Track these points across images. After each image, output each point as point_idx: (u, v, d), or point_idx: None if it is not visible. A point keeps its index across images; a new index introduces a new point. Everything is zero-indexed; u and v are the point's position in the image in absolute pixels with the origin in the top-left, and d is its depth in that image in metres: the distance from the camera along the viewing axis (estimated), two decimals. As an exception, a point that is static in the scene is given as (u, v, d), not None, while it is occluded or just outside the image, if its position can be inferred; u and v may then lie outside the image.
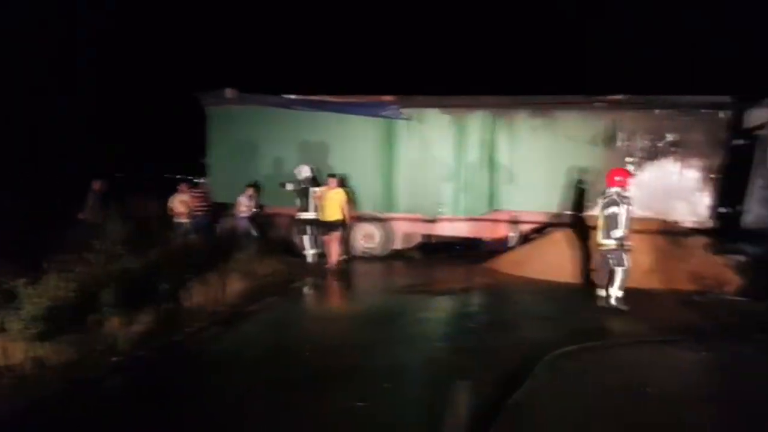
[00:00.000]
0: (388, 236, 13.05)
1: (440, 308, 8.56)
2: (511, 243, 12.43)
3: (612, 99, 11.73)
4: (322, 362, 5.90)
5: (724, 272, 9.93)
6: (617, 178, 8.63)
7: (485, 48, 21.74)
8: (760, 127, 9.98)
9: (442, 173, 12.67)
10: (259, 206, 12.84)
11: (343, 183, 12.07)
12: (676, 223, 11.14)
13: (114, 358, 5.80)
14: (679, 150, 11.47)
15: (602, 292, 8.64)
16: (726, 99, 11.15)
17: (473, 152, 12.53)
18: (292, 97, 13.25)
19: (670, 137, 11.50)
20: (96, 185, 12.50)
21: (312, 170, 11.98)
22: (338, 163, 12.78)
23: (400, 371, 5.69)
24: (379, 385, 5.26)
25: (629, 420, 4.65)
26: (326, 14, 25.75)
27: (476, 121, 12.48)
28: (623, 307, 8.34)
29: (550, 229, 12.02)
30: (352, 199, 12.09)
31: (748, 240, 10.03)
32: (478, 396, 4.93)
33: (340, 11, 25.58)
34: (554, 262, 10.97)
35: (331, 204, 11.33)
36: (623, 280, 8.43)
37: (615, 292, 8.46)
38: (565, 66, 19.58)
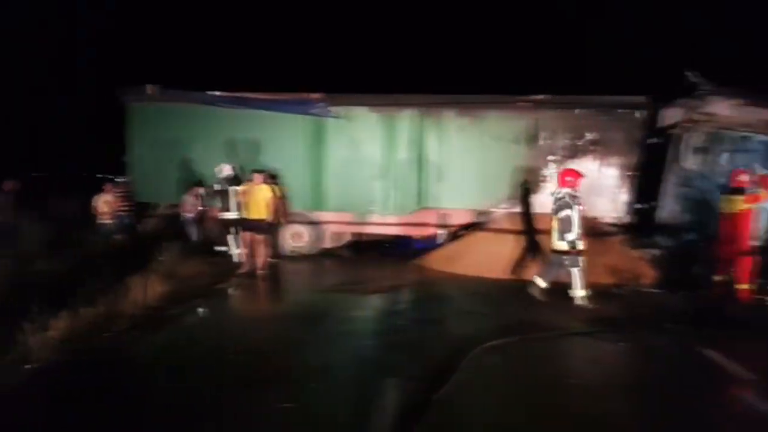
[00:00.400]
0: (317, 235, 12.97)
1: (370, 306, 8.57)
2: (441, 240, 12.58)
3: (534, 99, 12.05)
4: (249, 364, 5.80)
5: (640, 266, 10.38)
6: (568, 179, 8.74)
7: (413, 47, 21.93)
8: (673, 126, 10.45)
9: (372, 172, 12.68)
10: (204, 206, 12.48)
11: (275, 180, 11.89)
12: (595, 219, 11.53)
13: (28, 366, 5.51)
14: (598, 148, 11.89)
15: (542, 284, 8.81)
16: (641, 99, 11.64)
17: (402, 151, 12.60)
18: (217, 93, 12.96)
19: (589, 136, 11.90)
20: (7, 185, 11.85)
21: (234, 169, 11.72)
22: (266, 162, 12.59)
23: (329, 370, 5.66)
24: (307, 386, 5.21)
25: (552, 410, 4.78)
26: (254, 11, 25.35)
27: (405, 120, 12.55)
28: (590, 306, 8.47)
29: (478, 225, 12.24)
30: (285, 197, 11.93)
31: (663, 234, 10.50)
32: (406, 392, 4.96)
33: (269, 8, 25.24)
34: (482, 258, 11.17)
35: (257, 202, 10.77)
36: (581, 280, 8.55)
37: (578, 293, 8.56)
38: (491, 65, 19.98)
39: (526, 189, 11.94)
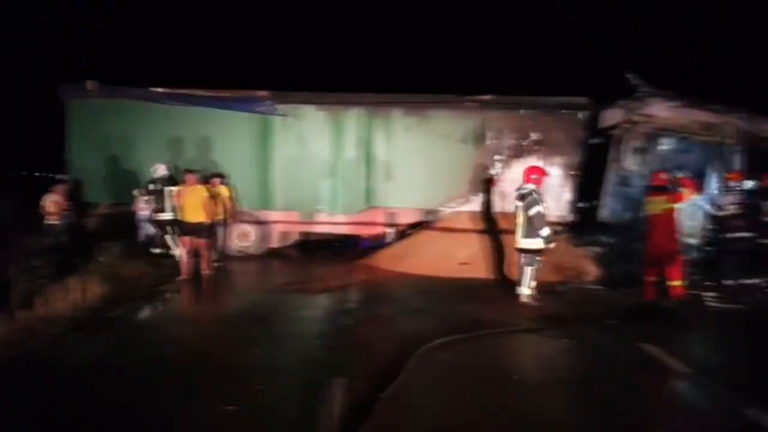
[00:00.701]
0: (264, 235, 12.81)
1: (317, 306, 8.50)
2: (389, 239, 12.61)
3: (481, 99, 12.21)
4: (191, 366, 5.67)
5: (583, 263, 10.64)
6: (534, 176, 8.79)
7: (362, 46, 21.91)
8: (614, 127, 10.73)
9: (319, 170, 12.62)
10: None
11: (224, 179, 11.67)
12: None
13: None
14: (543, 148, 12.14)
15: (528, 291, 8.83)
16: (584, 100, 11.93)
17: (350, 149, 12.57)
18: (160, 90, 12.64)
19: (534, 136, 12.13)
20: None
21: (168, 168, 11.43)
22: (211, 160, 12.38)
23: (274, 372, 5.58)
24: (251, 388, 5.12)
25: (497, 407, 4.83)
26: (201, 7, 24.86)
27: (352, 119, 12.53)
28: (534, 303, 8.58)
29: (426, 224, 12.32)
30: (234, 196, 11.73)
31: (604, 233, 10.77)
32: (352, 392, 4.93)
33: (216, 4, 24.80)
34: (431, 257, 11.24)
35: (192, 203, 10.06)
36: (532, 279, 8.65)
37: (524, 290, 8.66)
38: (439, 65, 20.14)
39: (486, 188, 12.10)
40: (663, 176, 9.29)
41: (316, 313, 8.11)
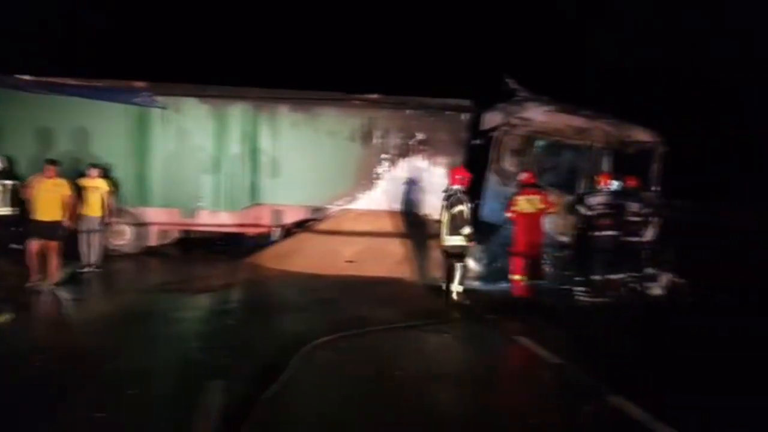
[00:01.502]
0: (140, 232, 12.17)
1: (197, 306, 8.19)
2: (275, 237, 12.38)
3: (368, 98, 12.27)
4: (58, 373, 5.25)
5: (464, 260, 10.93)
6: (459, 177, 8.86)
7: (248, 38, 21.38)
8: (494, 129, 11.12)
9: (202, 165, 12.18)
10: None
11: (104, 173, 10.88)
12: (425, 216, 11.98)
13: None
14: (428, 148, 12.39)
15: (459, 288, 8.83)
16: (466, 102, 12.30)
17: (234, 145, 12.23)
18: (27, 78, 11.69)
19: (419, 136, 12.36)
20: None
21: (3, 161, 9.94)
22: (83, 153, 11.59)
23: (149, 375, 5.29)
24: (123, 392, 4.82)
25: (379, 403, 4.85)
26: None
27: (237, 113, 12.20)
28: (466, 301, 8.60)
29: (313, 222, 12.22)
30: (112, 191, 10.92)
31: (484, 231, 11.13)
32: (231, 394, 4.76)
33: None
34: (318, 255, 11.16)
35: (47, 199, 8.90)
36: (464, 276, 8.69)
37: (456, 287, 8.65)
38: (328, 62, 20.05)
39: (408, 187, 12.18)
40: (535, 176, 9.69)
41: (195, 313, 7.80)
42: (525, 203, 9.26)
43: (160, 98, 12.00)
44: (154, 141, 12.09)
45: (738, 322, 8.59)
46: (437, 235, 10.11)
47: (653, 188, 11.05)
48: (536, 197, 9.31)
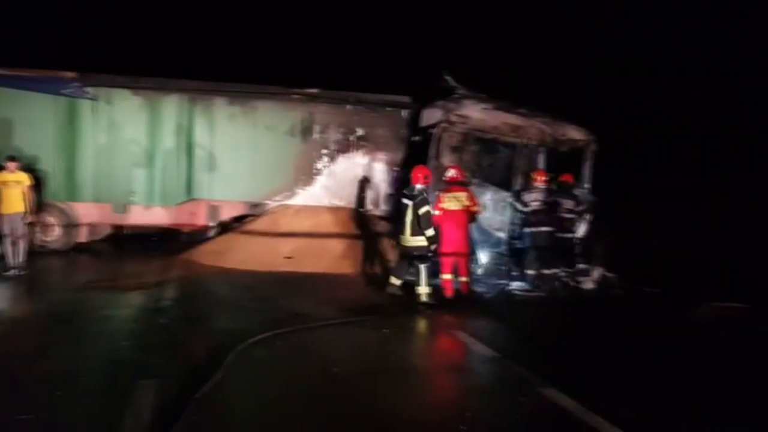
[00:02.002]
0: (70, 228, 11.71)
1: (129, 304, 7.93)
2: (211, 233, 12.14)
3: (307, 92, 12.17)
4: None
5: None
6: (423, 176, 8.76)
7: (183, 29, 20.82)
8: (433, 126, 11.21)
9: (135, 159, 11.82)
10: None
11: (19, 163, 10.30)
12: (365, 211, 12.00)
13: None
14: (368, 144, 12.39)
15: (397, 282, 8.84)
16: (406, 99, 12.36)
17: (169, 138, 11.93)
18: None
19: (359, 132, 12.34)
20: None
21: None
22: (8, 146, 11.02)
23: (76, 376, 5.07)
24: (49, 394, 4.61)
25: (316, 400, 4.80)
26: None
27: (172, 106, 11.90)
28: (432, 301, 8.48)
29: (250, 218, 12.04)
30: (35, 186, 10.35)
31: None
32: (163, 395, 4.63)
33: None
34: (255, 251, 11.01)
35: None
36: (428, 276, 8.55)
37: (423, 289, 8.50)
38: (267, 56, 19.77)
39: (348, 183, 12.13)
40: (462, 172, 9.68)
41: (126, 312, 7.55)
42: (451, 201, 9.14)
43: (90, 89, 11.57)
44: (85, 133, 11.66)
45: (664, 315, 8.94)
46: (379, 231, 10.15)
47: (585, 185, 11.38)
48: (463, 194, 9.20)
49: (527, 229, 10.31)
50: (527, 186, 10.64)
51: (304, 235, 11.34)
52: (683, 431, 4.59)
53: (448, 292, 8.89)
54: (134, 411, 4.28)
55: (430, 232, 8.52)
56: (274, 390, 5.01)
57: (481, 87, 11.51)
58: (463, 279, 9.02)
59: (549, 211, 10.30)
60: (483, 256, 10.85)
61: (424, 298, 8.47)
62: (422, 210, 8.50)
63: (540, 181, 10.36)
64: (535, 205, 10.23)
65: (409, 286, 8.76)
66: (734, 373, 6.12)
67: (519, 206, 10.50)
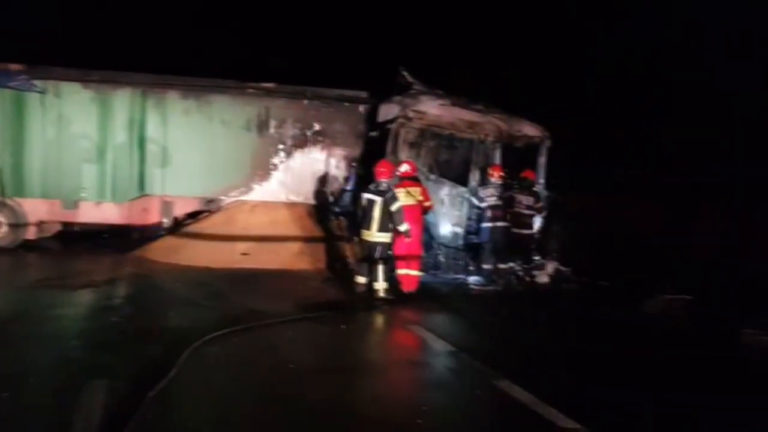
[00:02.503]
0: (16, 225, 11.34)
1: (79, 303, 7.75)
2: (164, 229, 11.92)
3: (263, 86, 12.03)
4: None
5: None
6: (383, 170, 8.76)
7: (137, 21, 20.35)
8: (391, 121, 11.23)
9: (85, 154, 11.49)
10: None
11: None
12: (322, 207, 11.94)
13: None
14: (325, 139, 12.32)
15: (362, 280, 8.73)
16: (363, 94, 12.33)
17: (121, 132, 11.62)
18: None
19: (317, 127, 12.26)
20: None
21: None
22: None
23: (26, 377, 4.93)
24: (-2, 396, 4.48)
25: (271, 397, 4.79)
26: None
27: (124, 99, 11.60)
28: (391, 296, 8.48)
29: (205, 214, 11.87)
30: None
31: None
32: (115, 394, 4.54)
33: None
34: (209, 248, 10.87)
35: None
36: (384, 272, 8.53)
37: (381, 285, 8.48)
38: (223, 49, 19.46)
39: (305, 179, 12.02)
40: (414, 167, 9.72)
41: (76, 311, 7.37)
42: (405, 196, 9.07)
43: (38, 82, 11.23)
44: (33, 128, 11.30)
45: (614, 308, 9.15)
46: (337, 227, 10.10)
47: (540, 181, 11.56)
48: (416, 189, 9.23)
49: (484, 225, 10.40)
50: (484, 181, 10.75)
51: (260, 231, 11.22)
52: (633, 421, 4.72)
53: (405, 287, 8.94)
54: (85, 411, 4.19)
55: (404, 227, 8.54)
56: (229, 388, 4.96)
57: (437, 83, 11.58)
58: (414, 273, 9.08)
59: (504, 207, 10.42)
60: (439, 252, 10.95)
61: (381, 294, 8.49)
62: (394, 206, 8.51)
63: (496, 176, 10.47)
64: (491, 200, 10.33)
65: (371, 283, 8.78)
66: (679, 366, 6.37)
67: (475, 201, 10.60)
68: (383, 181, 8.74)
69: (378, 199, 8.60)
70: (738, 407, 5.14)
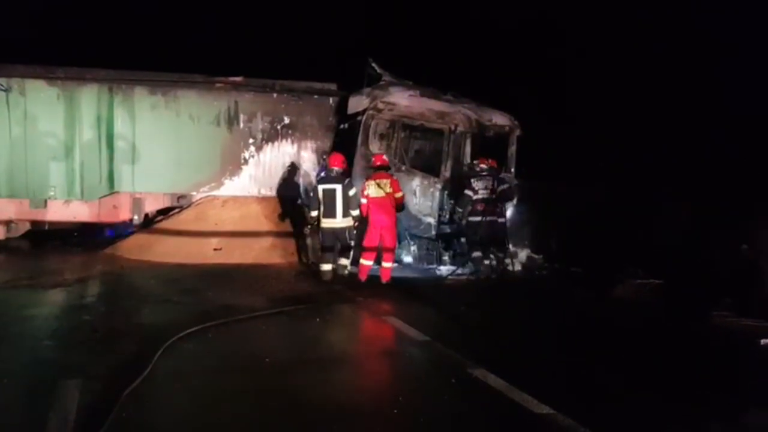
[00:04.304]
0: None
1: (50, 302, 7.67)
2: (135, 226, 11.81)
3: (232, 81, 11.96)
4: None
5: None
6: (341, 161, 9.33)
7: (104, 16, 20.01)
8: (361, 113, 11.25)
9: (52, 152, 11.31)
10: None
11: None
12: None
13: None
14: (296, 132, 12.30)
15: (328, 267, 9.17)
16: (333, 86, 12.33)
17: (88, 130, 11.47)
18: None
19: (287, 120, 12.24)
20: None
21: None
22: None
23: (-3, 378, 4.89)
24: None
25: (248, 392, 4.79)
26: None
27: (91, 96, 11.44)
28: (335, 279, 9.20)
29: (176, 210, 11.78)
30: None
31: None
32: (89, 393, 4.52)
33: None
34: (181, 244, 10.82)
35: None
36: (355, 254, 9.17)
37: (347, 263, 9.25)
38: (189, 43, 19.24)
39: (276, 172, 12.11)
40: (384, 159, 9.78)
41: (48, 310, 7.28)
42: (375, 188, 9.21)
43: (2, 80, 11.01)
44: (-3, 126, 11.10)
45: (586, 293, 9.34)
46: (310, 218, 10.09)
47: (511, 169, 11.69)
48: (386, 181, 9.29)
49: (472, 219, 10.29)
50: (472, 172, 10.62)
51: (232, 226, 11.19)
52: (606, 403, 4.84)
53: (362, 276, 9.21)
54: (60, 412, 4.17)
55: (356, 212, 9.21)
56: (204, 384, 4.97)
57: (406, 74, 11.62)
58: (387, 265, 9.17)
59: (496, 201, 10.34)
60: (412, 242, 11.03)
61: (346, 272, 9.25)
62: (351, 192, 9.21)
63: (485, 166, 10.42)
64: (483, 193, 10.23)
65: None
66: (650, 349, 6.54)
67: (470, 193, 10.31)
68: (335, 169, 9.29)
69: (338, 186, 9.17)
70: (711, 387, 5.26)
